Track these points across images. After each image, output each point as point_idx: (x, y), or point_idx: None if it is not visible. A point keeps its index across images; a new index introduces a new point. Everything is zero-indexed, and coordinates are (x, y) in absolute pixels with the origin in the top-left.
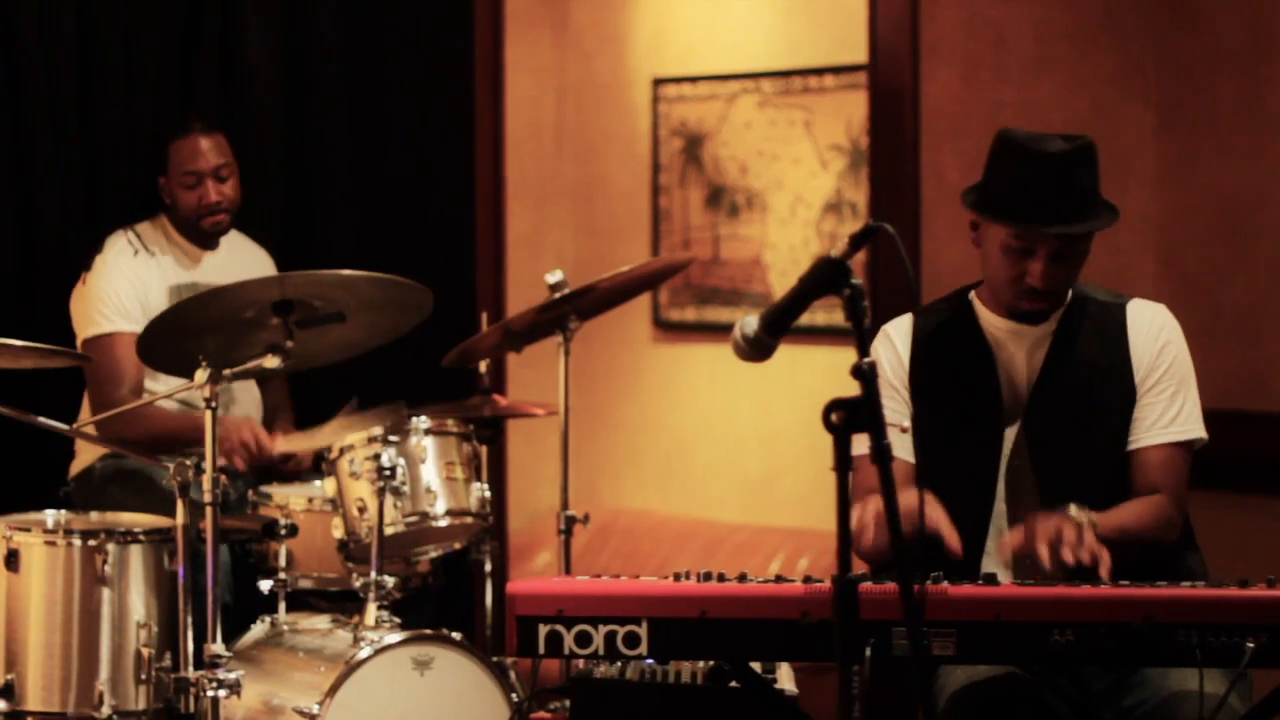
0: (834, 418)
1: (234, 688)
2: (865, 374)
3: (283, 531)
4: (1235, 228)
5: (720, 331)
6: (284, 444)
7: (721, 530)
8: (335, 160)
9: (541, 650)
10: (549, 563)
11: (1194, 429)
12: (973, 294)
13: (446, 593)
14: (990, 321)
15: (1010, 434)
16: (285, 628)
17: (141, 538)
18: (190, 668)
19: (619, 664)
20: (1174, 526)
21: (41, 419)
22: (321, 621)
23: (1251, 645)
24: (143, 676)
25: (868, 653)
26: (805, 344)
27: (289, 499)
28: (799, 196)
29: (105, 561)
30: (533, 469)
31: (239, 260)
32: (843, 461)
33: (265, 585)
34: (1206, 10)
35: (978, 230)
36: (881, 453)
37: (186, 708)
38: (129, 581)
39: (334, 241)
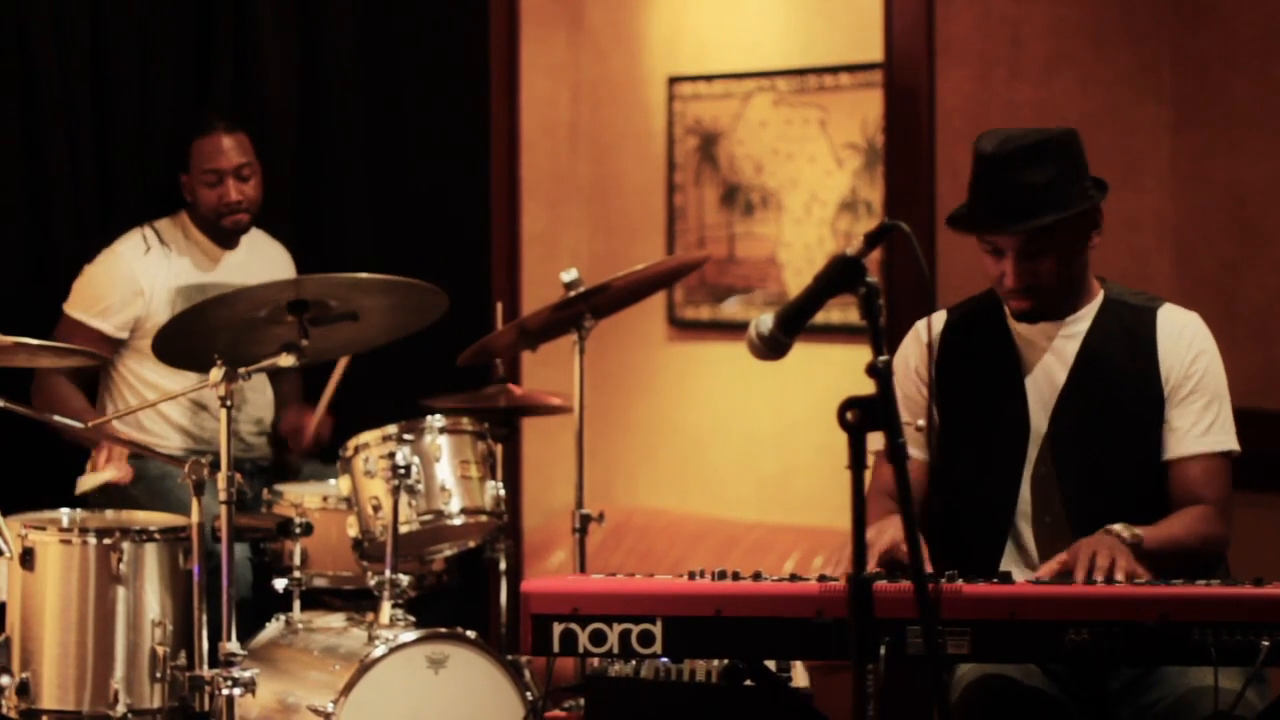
0: (849, 416)
1: (249, 686)
2: (880, 372)
3: (297, 530)
4: (1251, 226)
5: (735, 330)
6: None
7: (736, 529)
8: (349, 159)
9: (556, 649)
10: (564, 561)
11: (1228, 440)
12: None
13: (461, 591)
14: (1017, 323)
15: (1037, 434)
16: (300, 626)
17: (156, 536)
18: (205, 666)
19: (634, 663)
20: (1223, 539)
21: (57, 417)
22: (336, 620)
23: (1266, 644)
24: (158, 675)
25: (882, 651)
26: (820, 342)
27: (304, 497)
28: (814, 195)
29: (120, 560)
30: (547, 467)
31: (258, 259)
32: (858, 460)
33: (280, 584)
34: (1222, 8)
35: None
36: (897, 451)
37: (201, 706)
38: (144, 580)
39: (348, 240)
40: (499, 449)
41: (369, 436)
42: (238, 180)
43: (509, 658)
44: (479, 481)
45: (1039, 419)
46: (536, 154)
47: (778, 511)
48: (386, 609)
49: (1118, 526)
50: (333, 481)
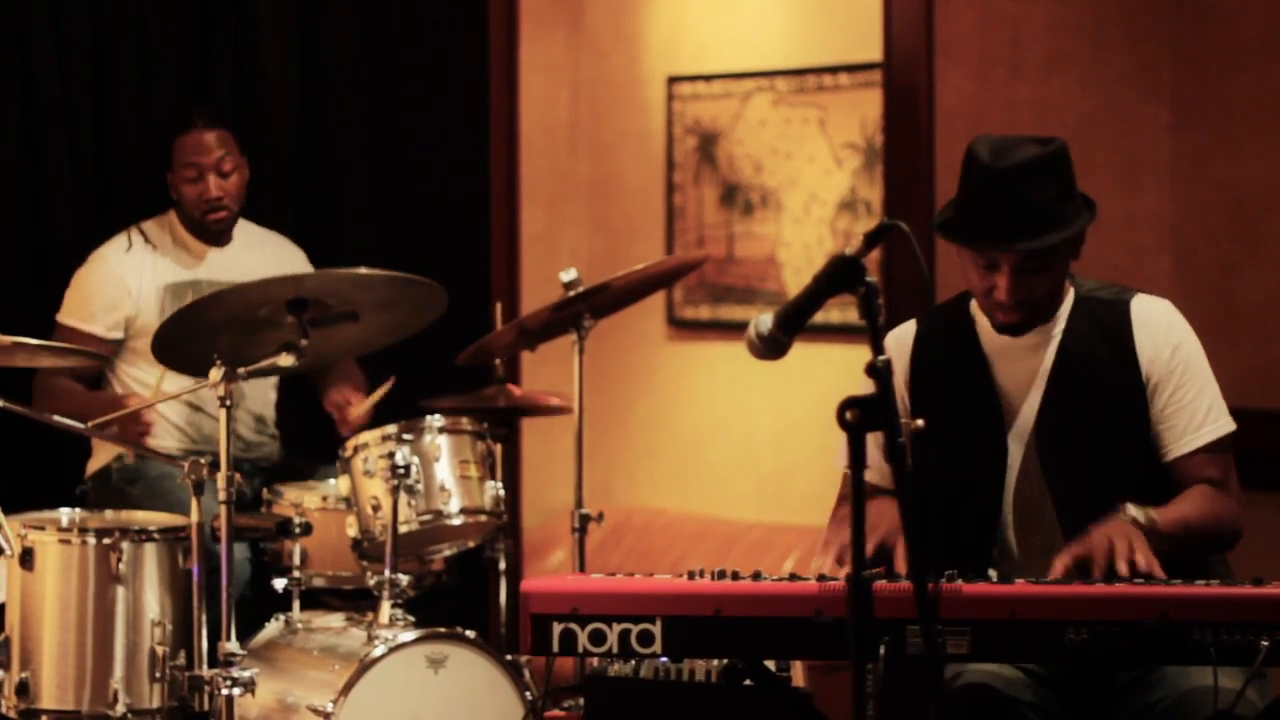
0: (848, 415)
1: (248, 686)
2: (880, 371)
3: (297, 530)
4: (1251, 225)
5: (735, 329)
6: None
7: (736, 528)
8: (349, 158)
9: (556, 648)
10: (563, 561)
11: (1225, 423)
12: (972, 300)
13: (461, 591)
14: (987, 328)
15: (1018, 443)
16: (299, 626)
17: (156, 536)
18: (205, 666)
19: (633, 662)
20: (1235, 516)
21: (57, 418)
22: (336, 620)
23: (1266, 644)
24: (157, 675)
25: (882, 651)
26: (820, 342)
27: (303, 497)
28: (813, 195)
29: (120, 560)
30: (547, 467)
31: (252, 255)
32: (858, 459)
33: (279, 583)
34: (1221, 7)
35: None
36: (896, 450)
37: (201, 706)
38: (143, 580)
39: (348, 239)
40: (498, 449)
41: (368, 436)
42: (218, 176)
43: (508, 657)
44: (478, 481)
45: (1017, 426)
46: (536, 153)
47: (777, 511)
48: (386, 609)
49: (1131, 508)
50: (332, 481)
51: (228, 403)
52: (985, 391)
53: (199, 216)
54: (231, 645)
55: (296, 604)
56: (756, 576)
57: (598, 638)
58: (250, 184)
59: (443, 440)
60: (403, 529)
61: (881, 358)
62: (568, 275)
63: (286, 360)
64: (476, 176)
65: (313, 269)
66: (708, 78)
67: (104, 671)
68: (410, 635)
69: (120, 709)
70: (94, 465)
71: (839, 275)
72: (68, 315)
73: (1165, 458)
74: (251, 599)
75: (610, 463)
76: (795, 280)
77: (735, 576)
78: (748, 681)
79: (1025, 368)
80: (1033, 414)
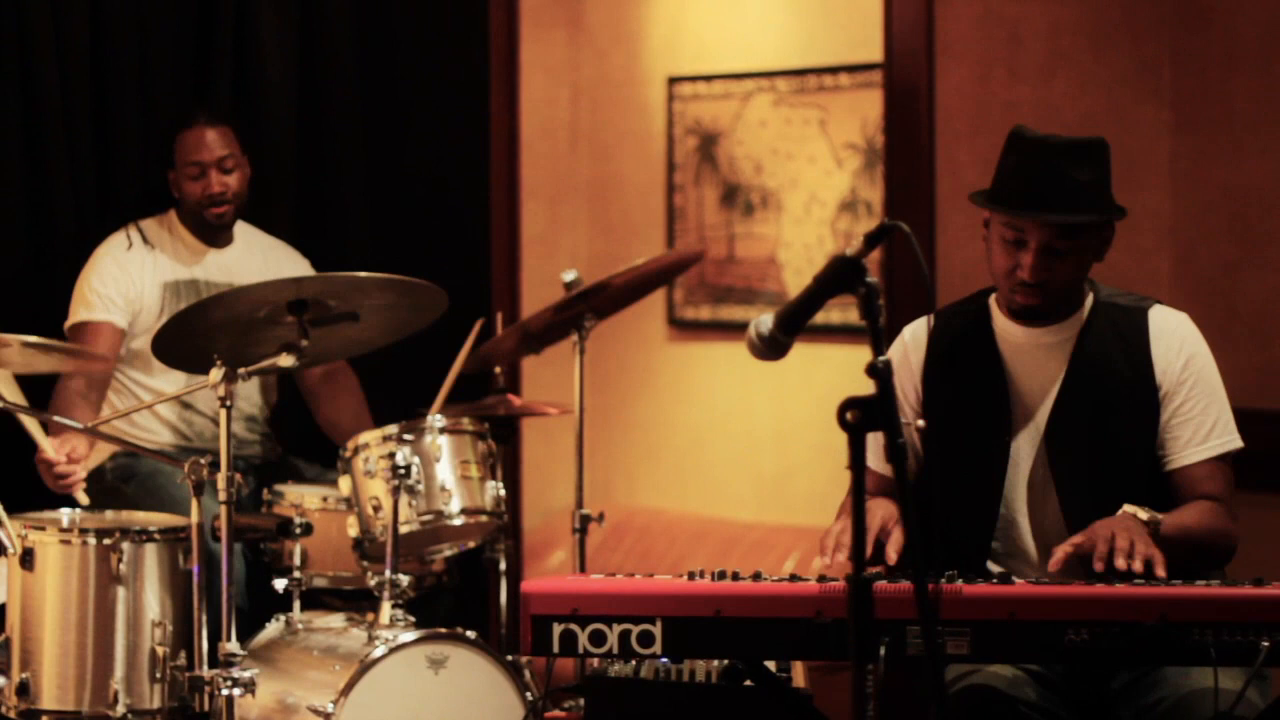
0: (849, 416)
1: (249, 686)
2: (880, 372)
3: (297, 530)
4: (1250, 226)
5: (735, 330)
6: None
7: (736, 529)
8: (349, 159)
9: (556, 649)
10: (563, 561)
11: (1231, 439)
12: (991, 298)
13: (461, 591)
14: (1004, 327)
15: (1031, 442)
16: (300, 626)
17: (156, 537)
18: (205, 666)
19: (633, 663)
20: (1232, 534)
21: (56, 417)
22: (336, 620)
23: (1266, 644)
24: (157, 675)
25: (882, 652)
26: (820, 342)
27: (303, 497)
28: (814, 195)
29: (120, 560)
30: (547, 468)
31: (252, 257)
32: (858, 460)
33: (280, 584)
34: (1221, 8)
35: (988, 228)
36: (896, 450)
37: (201, 706)
38: (144, 580)
39: (348, 240)
40: (499, 449)
41: (369, 436)
42: (220, 172)
43: (509, 658)
44: (479, 482)
45: (1030, 426)
46: (536, 154)
47: (777, 512)
48: (386, 609)
49: (1134, 509)
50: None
51: (228, 403)
52: (998, 389)
53: (201, 212)
54: (232, 646)
55: (297, 604)
56: (757, 577)
57: (598, 638)
58: (250, 184)
59: (443, 440)
60: (403, 529)
61: (882, 358)
62: (568, 276)
63: (287, 360)
64: (476, 177)
65: (310, 271)
66: (708, 78)
67: (104, 672)
68: (411, 636)
69: (120, 709)
70: (91, 465)
71: (839, 276)
72: (79, 312)
73: (1166, 467)
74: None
75: (611, 463)
76: (796, 281)
77: (735, 577)
78: (748, 682)
79: (1041, 367)
80: (1046, 414)
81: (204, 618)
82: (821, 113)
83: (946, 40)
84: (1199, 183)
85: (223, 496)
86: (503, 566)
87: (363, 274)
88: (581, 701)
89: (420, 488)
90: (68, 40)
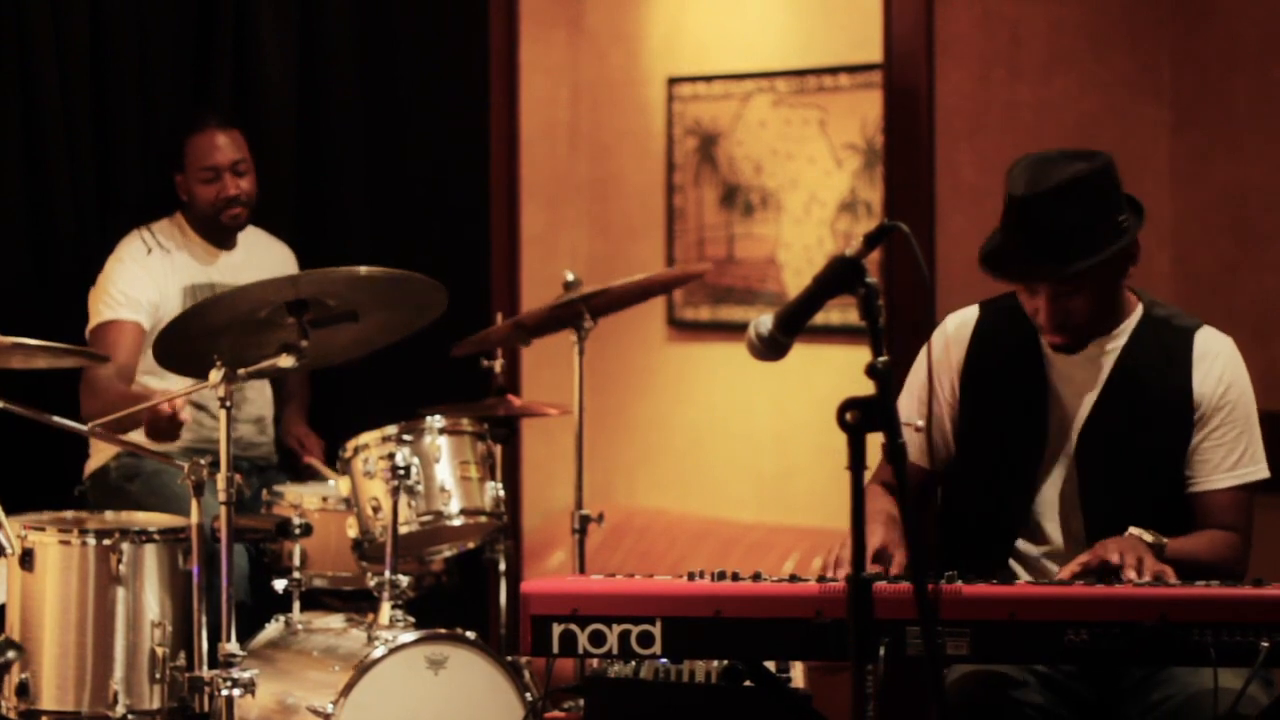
0: (849, 417)
1: (248, 687)
2: (880, 373)
3: (297, 531)
4: (1250, 226)
5: (735, 331)
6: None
7: (736, 529)
8: (349, 159)
9: (556, 650)
10: (563, 562)
11: (1259, 469)
12: None
13: (461, 592)
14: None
15: (1062, 450)
16: (299, 627)
17: (156, 537)
18: (205, 667)
19: (633, 663)
20: (1242, 567)
21: (56, 418)
22: (336, 621)
23: (1266, 645)
24: (157, 675)
25: (882, 652)
26: (820, 343)
27: (303, 498)
28: (814, 195)
29: (120, 561)
30: (547, 468)
31: (258, 257)
32: (857, 461)
33: (279, 584)
34: (1222, 8)
35: None
36: (896, 451)
37: (201, 707)
38: (143, 581)
39: (348, 240)
40: (498, 450)
41: (368, 437)
42: (234, 175)
43: (508, 658)
44: (478, 482)
45: (1063, 434)
46: (536, 154)
47: (777, 512)
48: (386, 610)
49: (1139, 531)
50: (332, 482)
51: (228, 404)
52: (1038, 392)
53: (216, 216)
54: (231, 646)
55: (296, 605)
56: (756, 578)
57: (598, 639)
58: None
59: (443, 441)
60: (403, 530)
61: (881, 359)
62: (568, 276)
63: (287, 361)
64: (476, 177)
65: (298, 270)
66: (708, 78)
67: (104, 672)
68: (410, 636)
69: (120, 710)
70: (92, 465)
71: (839, 276)
72: (103, 313)
73: (1190, 489)
74: (248, 603)
75: (610, 464)
76: (795, 281)
77: (735, 578)
78: (748, 682)
79: (1083, 373)
80: (1080, 423)
81: (204, 618)
82: (821, 113)
83: (946, 41)
84: (1199, 182)
85: (222, 497)
86: (502, 567)
87: (361, 270)
88: (581, 702)
89: (420, 488)
90: (67, 40)
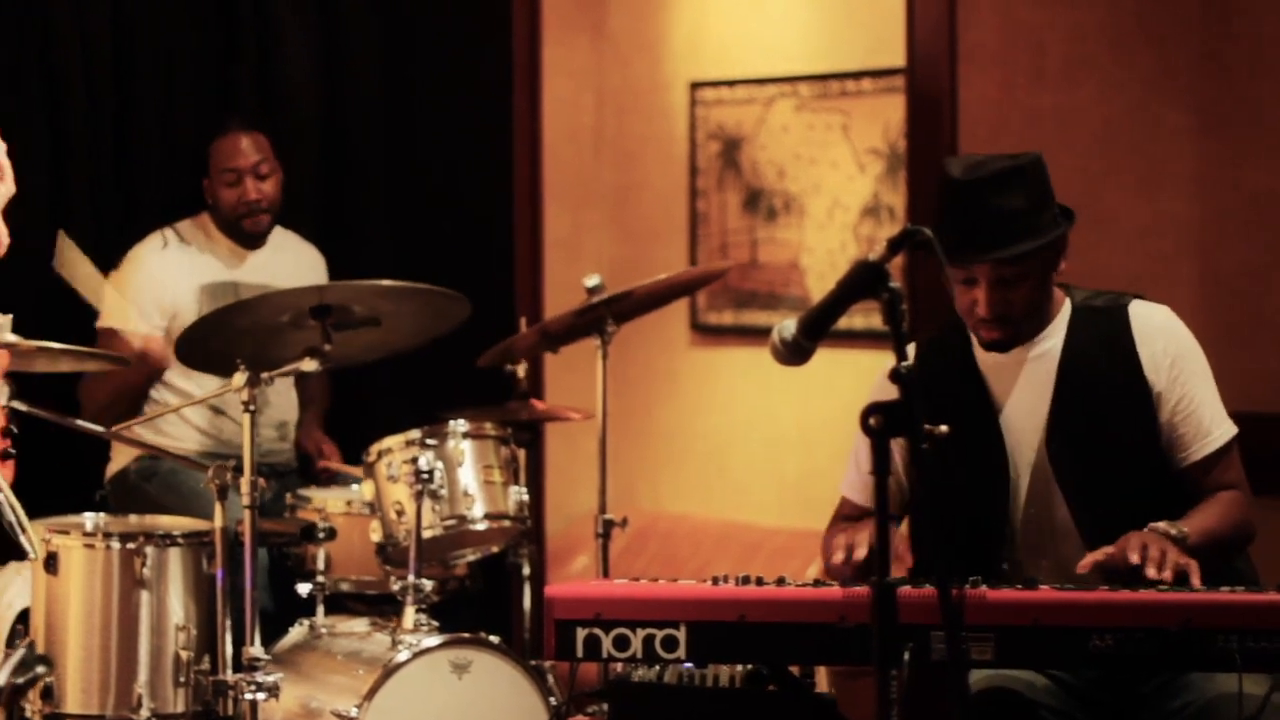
0: (872, 421)
1: (272, 691)
2: (904, 378)
3: (321, 535)
4: (1276, 231)
5: (758, 335)
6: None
7: (760, 534)
8: (373, 164)
9: (579, 654)
10: (587, 566)
11: (1229, 427)
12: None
13: (484, 596)
14: (985, 353)
15: (1024, 462)
16: (323, 631)
17: (180, 541)
18: (229, 670)
19: (657, 667)
20: (1251, 522)
21: (77, 421)
22: (360, 625)
23: None
24: (181, 679)
25: (906, 657)
26: (843, 347)
27: (327, 502)
28: (837, 200)
29: (144, 564)
30: (571, 472)
31: (285, 259)
32: (881, 465)
33: (303, 588)
34: (1246, 11)
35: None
36: (920, 457)
37: (225, 710)
38: (167, 584)
39: (371, 245)
40: (522, 454)
41: (392, 441)
42: (256, 179)
43: (532, 663)
44: (502, 486)
45: (1027, 446)
46: (559, 159)
47: (801, 516)
48: (410, 614)
49: (1162, 525)
50: (355, 486)
51: (251, 408)
52: (984, 411)
53: (236, 220)
54: (256, 650)
55: (320, 609)
56: (780, 582)
57: (622, 643)
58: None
59: (466, 445)
60: (426, 534)
61: (905, 364)
62: (591, 281)
63: (310, 365)
64: (500, 181)
65: (326, 273)
66: (731, 83)
67: (128, 676)
68: (434, 640)
69: (144, 713)
70: (113, 468)
71: (862, 281)
72: (109, 319)
73: (1178, 466)
74: (271, 607)
75: (634, 468)
76: (818, 286)
77: (759, 582)
78: (772, 687)
79: (1027, 384)
80: (1039, 430)
81: (228, 622)
82: (844, 118)
83: (969, 45)
84: (1223, 187)
85: (246, 501)
86: (526, 571)
87: (386, 282)
88: (605, 706)
89: (443, 492)
90: (91, 44)
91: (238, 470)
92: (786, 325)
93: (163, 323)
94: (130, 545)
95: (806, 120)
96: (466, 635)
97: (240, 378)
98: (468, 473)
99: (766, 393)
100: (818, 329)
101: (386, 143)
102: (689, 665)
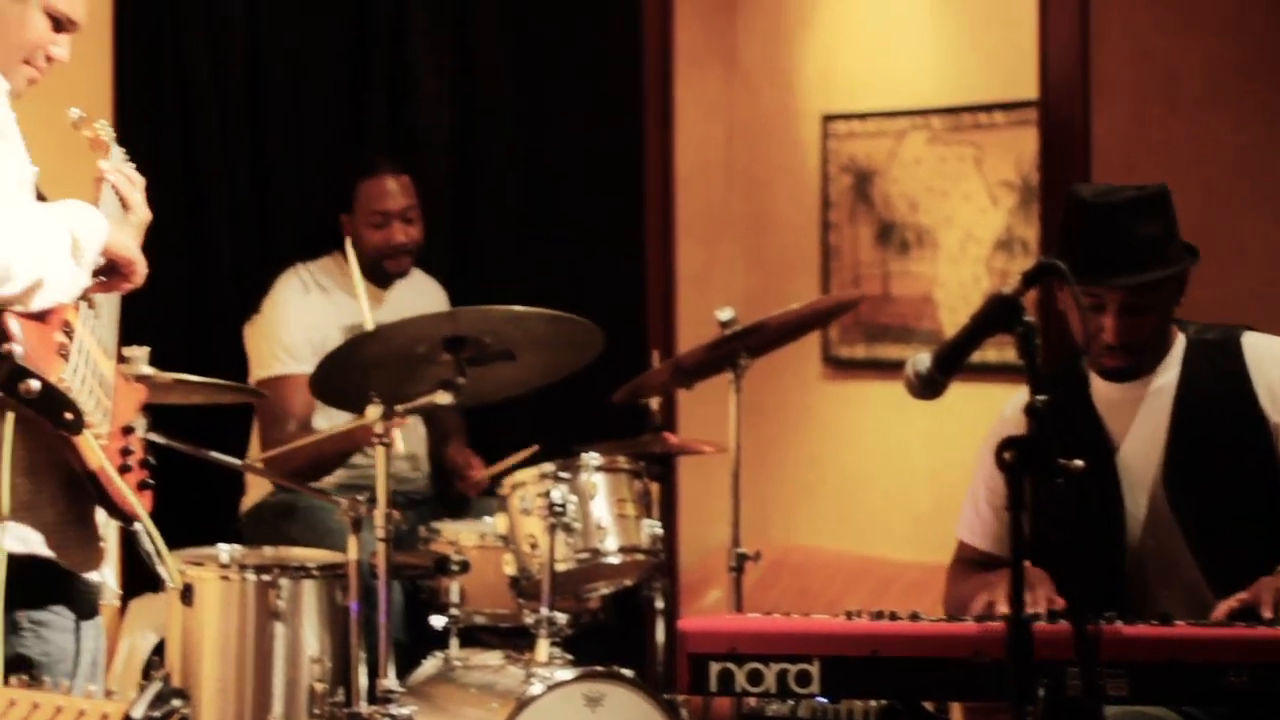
0: (1007, 456)
1: None
2: (1038, 412)
3: (455, 567)
4: None
5: (891, 369)
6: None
7: (893, 568)
8: (504, 197)
9: (713, 688)
10: (720, 600)
11: None
12: (1084, 360)
13: (618, 629)
14: (1101, 389)
15: (1141, 498)
16: (457, 663)
17: (315, 573)
18: (363, 703)
19: (790, 702)
20: None
21: (214, 454)
22: (493, 658)
23: None
24: (315, 711)
25: (1041, 693)
26: (976, 381)
27: (460, 535)
28: (969, 233)
29: (279, 596)
30: (704, 506)
31: (417, 297)
32: (1016, 500)
33: (438, 621)
34: None
35: (1061, 295)
36: (1054, 491)
37: None
38: (302, 616)
39: (503, 279)
40: (655, 487)
41: (526, 475)
42: (404, 223)
43: (666, 696)
44: (635, 520)
45: (1141, 486)
46: (691, 191)
47: (934, 551)
48: (544, 647)
49: None
50: (489, 519)
51: (385, 441)
52: (1101, 448)
53: (381, 261)
54: (390, 682)
55: (454, 641)
56: (914, 617)
57: (755, 677)
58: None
59: (599, 478)
60: (560, 567)
61: (1040, 398)
62: (724, 314)
63: (444, 398)
64: (632, 214)
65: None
66: (862, 116)
67: (263, 707)
68: (568, 674)
69: None
70: (248, 501)
71: (997, 315)
72: (270, 366)
73: None
74: (405, 640)
75: (766, 501)
76: (951, 319)
77: (893, 617)
78: None
79: (1144, 420)
80: (1155, 467)
81: (362, 654)
82: (976, 150)
83: (1102, 77)
84: None
85: (380, 534)
86: (659, 605)
87: (518, 308)
88: None
89: (577, 525)
90: (226, 82)
91: (371, 502)
92: (921, 359)
93: (316, 363)
94: (265, 577)
95: (939, 153)
96: (600, 668)
97: (374, 411)
98: (601, 506)
99: (899, 426)
100: (952, 363)
101: (518, 177)
102: (822, 700)
